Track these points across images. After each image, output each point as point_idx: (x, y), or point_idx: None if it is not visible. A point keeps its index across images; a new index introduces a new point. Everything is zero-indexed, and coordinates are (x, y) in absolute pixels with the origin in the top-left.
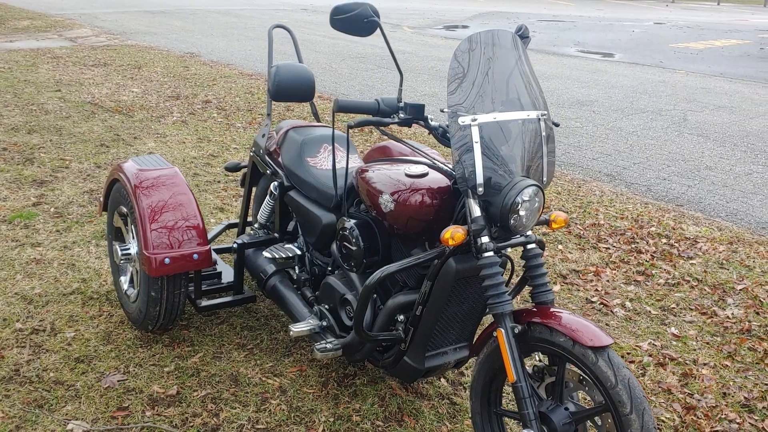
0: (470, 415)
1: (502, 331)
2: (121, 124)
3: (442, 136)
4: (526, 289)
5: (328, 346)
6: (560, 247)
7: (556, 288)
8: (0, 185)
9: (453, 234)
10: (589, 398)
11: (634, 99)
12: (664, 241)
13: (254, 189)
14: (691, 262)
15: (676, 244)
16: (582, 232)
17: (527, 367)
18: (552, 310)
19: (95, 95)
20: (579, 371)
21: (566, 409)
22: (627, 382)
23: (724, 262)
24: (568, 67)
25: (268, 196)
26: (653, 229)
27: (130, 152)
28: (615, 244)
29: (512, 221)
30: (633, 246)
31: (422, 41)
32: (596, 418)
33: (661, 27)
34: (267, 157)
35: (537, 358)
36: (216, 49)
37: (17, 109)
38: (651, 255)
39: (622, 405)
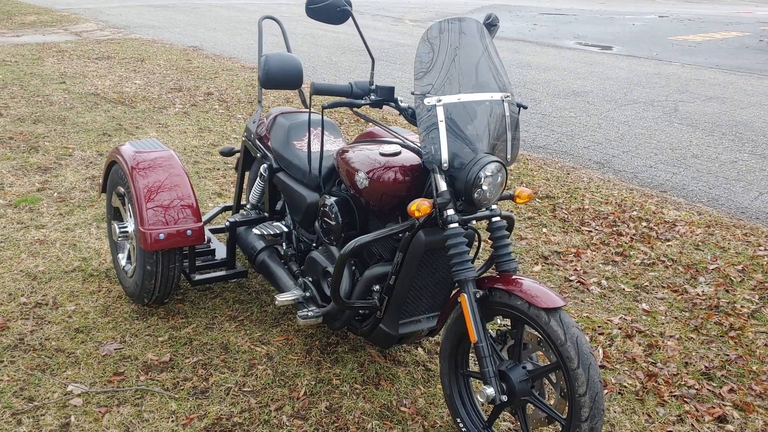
0: (440, 377)
1: (465, 296)
2: (123, 114)
3: (411, 117)
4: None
5: (310, 313)
6: (544, 230)
7: (537, 268)
8: (6, 172)
9: (419, 206)
10: (547, 359)
11: (627, 90)
12: (644, 224)
13: (247, 173)
14: (668, 243)
15: (655, 227)
16: (566, 216)
17: (492, 332)
18: (513, 277)
19: (99, 87)
20: (536, 333)
21: (524, 368)
22: (575, 340)
23: (700, 243)
24: (566, 59)
25: (258, 178)
26: (635, 213)
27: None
28: (597, 228)
29: (476, 195)
30: (614, 229)
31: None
32: (552, 376)
33: (662, 20)
34: (258, 142)
35: (501, 323)
36: (219, 43)
37: (23, 101)
38: (630, 237)
39: (570, 360)
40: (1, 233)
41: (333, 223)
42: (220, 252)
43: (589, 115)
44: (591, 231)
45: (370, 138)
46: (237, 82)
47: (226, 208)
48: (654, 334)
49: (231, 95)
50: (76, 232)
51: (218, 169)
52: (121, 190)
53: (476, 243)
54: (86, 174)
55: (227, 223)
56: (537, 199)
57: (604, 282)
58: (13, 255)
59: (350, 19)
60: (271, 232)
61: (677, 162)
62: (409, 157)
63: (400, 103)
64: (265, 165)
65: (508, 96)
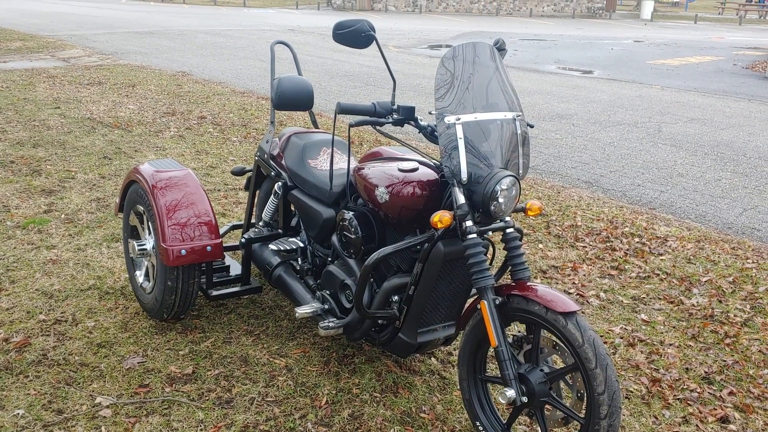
0: (458, 382)
1: (485, 302)
2: (121, 138)
3: (430, 135)
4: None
5: (330, 324)
6: (540, 246)
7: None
8: (11, 194)
9: (441, 218)
10: (562, 362)
11: (611, 112)
12: (636, 239)
13: (257, 192)
14: (661, 257)
15: (647, 242)
16: (561, 233)
17: (508, 338)
18: (528, 284)
19: (93, 112)
20: (552, 336)
21: (541, 370)
22: (592, 342)
23: (692, 257)
24: (548, 84)
25: (272, 196)
26: (627, 229)
27: (132, 164)
28: (591, 243)
29: (492, 207)
30: (608, 244)
31: (408, 60)
32: (568, 378)
33: (640, 45)
34: (271, 161)
35: (516, 330)
36: (207, 68)
37: (20, 125)
38: (624, 252)
39: (588, 361)
40: (12, 254)
41: (353, 236)
42: (234, 269)
43: (575, 137)
44: (585, 246)
45: (376, 157)
46: (229, 106)
47: (234, 227)
48: (654, 343)
49: (224, 119)
50: (87, 251)
51: (219, 190)
52: (140, 208)
53: (491, 253)
54: (91, 196)
55: (242, 240)
56: (531, 217)
57: (602, 294)
58: (27, 275)
59: (374, 43)
60: (287, 248)
61: (664, 181)
62: (426, 173)
63: (419, 121)
64: (280, 183)
65: (519, 115)
